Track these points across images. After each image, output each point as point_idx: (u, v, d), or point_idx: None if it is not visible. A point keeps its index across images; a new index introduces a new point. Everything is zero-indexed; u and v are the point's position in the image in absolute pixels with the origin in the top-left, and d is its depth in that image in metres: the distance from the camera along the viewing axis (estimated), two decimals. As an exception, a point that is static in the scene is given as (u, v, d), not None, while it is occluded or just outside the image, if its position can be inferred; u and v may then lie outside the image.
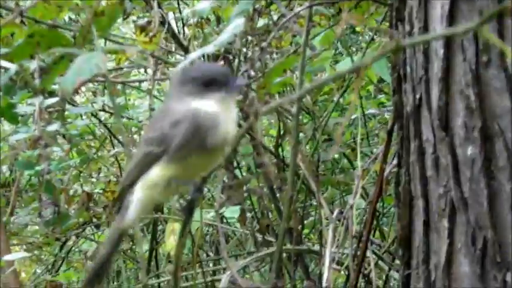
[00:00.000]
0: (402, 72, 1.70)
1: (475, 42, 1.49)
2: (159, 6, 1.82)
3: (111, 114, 2.81)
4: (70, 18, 2.68)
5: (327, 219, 1.82)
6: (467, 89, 1.50)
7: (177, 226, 1.81)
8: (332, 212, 1.84)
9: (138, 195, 1.39)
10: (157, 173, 1.36)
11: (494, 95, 1.49)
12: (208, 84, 1.35)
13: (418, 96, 1.60)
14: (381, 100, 3.39)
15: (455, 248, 1.54)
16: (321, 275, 1.66)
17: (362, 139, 2.67)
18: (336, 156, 2.95)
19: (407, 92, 1.65)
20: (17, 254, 2.42)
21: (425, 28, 1.57)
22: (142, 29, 1.67)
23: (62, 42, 1.43)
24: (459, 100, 1.52)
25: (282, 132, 2.47)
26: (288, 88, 2.44)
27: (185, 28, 2.71)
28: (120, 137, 2.78)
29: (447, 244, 1.54)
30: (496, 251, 1.48)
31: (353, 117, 2.59)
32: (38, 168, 2.50)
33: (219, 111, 1.33)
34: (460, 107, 1.52)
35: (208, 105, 1.33)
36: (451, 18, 1.50)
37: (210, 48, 1.42)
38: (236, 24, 1.41)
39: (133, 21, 1.86)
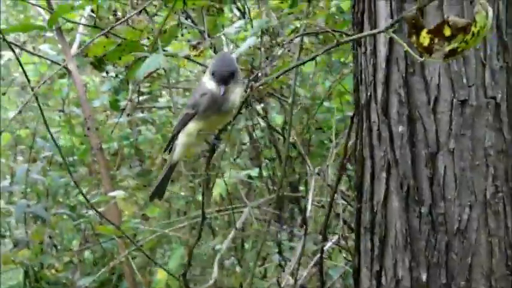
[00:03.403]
0: (359, 78, 2.30)
1: (405, 59, 2.11)
2: (209, 36, 2.48)
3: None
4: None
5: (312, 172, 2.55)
6: (399, 89, 2.13)
7: (219, 181, 2.58)
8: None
9: (181, 140, 1.98)
10: (192, 126, 1.94)
11: (416, 93, 2.11)
12: (212, 74, 1.90)
13: (369, 93, 2.22)
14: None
15: (389, 190, 2.15)
16: (305, 209, 2.37)
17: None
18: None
19: (362, 91, 2.27)
20: (117, 192, 3.05)
21: (374, 50, 2.20)
22: (194, 47, 2.37)
23: (138, 49, 2.13)
24: (394, 96, 2.14)
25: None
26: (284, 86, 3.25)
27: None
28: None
29: (384, 188, 2.16)
30: (415, 193, 2.09)
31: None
32: (131, 139, 3.47)
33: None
34: (395, 100, 2.14)
35: (212, 85, 1.88)
36: (390, 44, 2.15)
37: (233, 55, 2.06)
38: (250, 41, 2.11)
39: (188, 41, 2.48)
